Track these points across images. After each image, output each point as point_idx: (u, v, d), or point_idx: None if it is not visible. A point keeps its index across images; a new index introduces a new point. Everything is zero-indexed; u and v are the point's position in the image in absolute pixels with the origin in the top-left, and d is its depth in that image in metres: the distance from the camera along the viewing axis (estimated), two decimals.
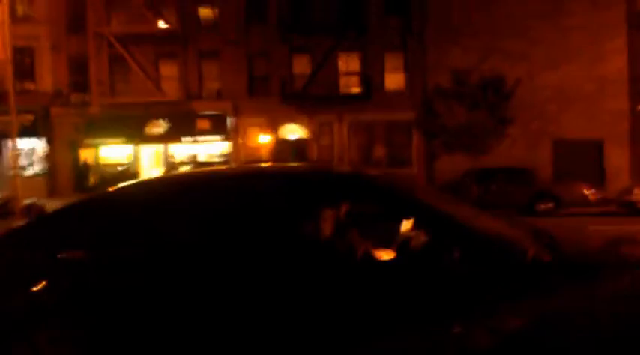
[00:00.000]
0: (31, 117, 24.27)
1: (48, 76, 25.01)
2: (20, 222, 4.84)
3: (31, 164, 25.12)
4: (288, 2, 23.59)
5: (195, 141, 23.99)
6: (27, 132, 24.14)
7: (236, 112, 24.11)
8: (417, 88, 22.69)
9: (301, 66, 24.00)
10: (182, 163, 24.10)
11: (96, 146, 24.49)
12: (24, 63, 24.97)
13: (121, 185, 3.04)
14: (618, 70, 21.59)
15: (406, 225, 2.86)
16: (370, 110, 22.86)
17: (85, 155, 24.75)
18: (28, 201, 16.72)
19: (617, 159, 21.65)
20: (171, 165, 24.01)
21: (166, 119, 23.87)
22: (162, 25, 24.27)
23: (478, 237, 2.56)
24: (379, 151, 23.74)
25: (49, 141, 24.83)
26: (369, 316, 2.35)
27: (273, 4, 23.89)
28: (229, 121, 24.11)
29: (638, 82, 21.43)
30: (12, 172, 16.62)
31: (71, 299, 2.45)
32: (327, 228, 2.80)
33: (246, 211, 2.64)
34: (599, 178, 20.90)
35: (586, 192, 16.10)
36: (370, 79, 23.37)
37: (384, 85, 23.47)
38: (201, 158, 24.34)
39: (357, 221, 2.88)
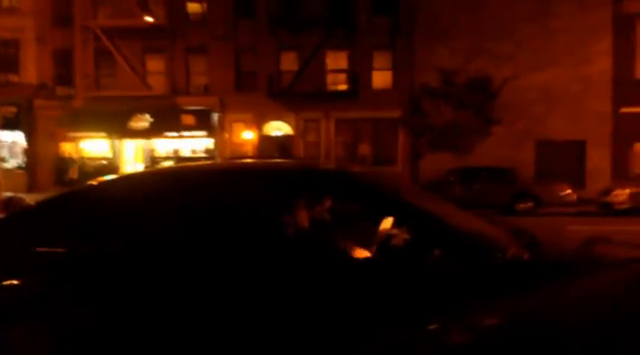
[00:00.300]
0: (13, 109, 23.96)
1: (32, 68, 24.68)
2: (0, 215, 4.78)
3: (11, 157, 24.78)
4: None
5: (179, 137, 23.85)
6: (9, 124, 23.81)
7: (222, 108, 24.01)
8: (403, 87, 22.78)
9: (289, 62, 23.96)
10: (165, 158, 23.93)
11: (78, 139, 24.23)
12: (8, 54, 24.62)
13: (102, 178, 3.01)
14: (603, 72, 21.86)
15: (388, 223, 2.88)
16: (357, 108, 22.90)
17: (67, 148, 24.48)
18: (7, 195, 16.49)
19: (598, 160, 21.95)
20: (153, 160, 23.84)
21: (151, 114, 23.69)
22: (149, 19, 24.06)
23: (459, 236, 2.59)
24: (365, 149, 23.81)
25: (31, 134, 24.52)
26: (348, 314, 2.36)
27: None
28: (215, 117, 23.99)
29: (622, 84, 21.72)
30: None
31: (49, 295, 2.43)
32: (309, 225, 2.80)
33: (228, 207, 2.64)
34: (580, 178, 21.19)
35: (566, 192, 16.34)
36: (357, 76, 23.41)
37: (371, 83, 23.53)
38: (186, 153, 24.20)
39: (340, 218, 2.89)
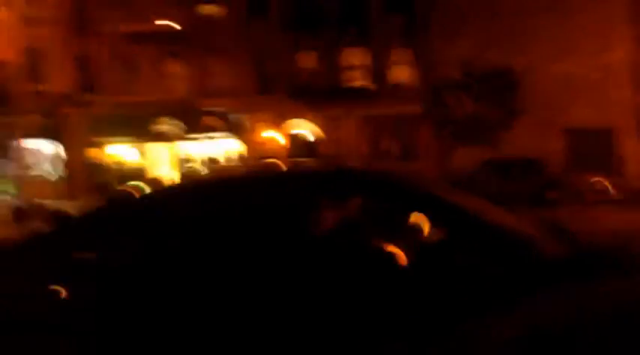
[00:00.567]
0: (41, 117, 24.46)
1: (57, 77, 25.15)
2: (37, 226, 4.91)
3: (42, 165, 25.33)
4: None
5: (202, 139, 24.10)
6: (38, 133, 24.33)
7: (243, 109, 24.17)
8: (423, 81, 22.61)
9: (307, 61, 23.98)
10: (191, 161, 24.21)
11: (105, 145, 24.65)
12: (34, 64, 25.12)
13: (133, 184, 3.06)
14: (623, 59, 21.40)
15: (420, 221, 2.87)
16: (378, 104, 22.80)
17: (95, 154, 24.92)
18: (44, 203, 16.87)
19: (629, 147, 21.47)
20: (185, 167, 24.01)
21: (174, 117, 23.97)
22: (167, 23, 24.33)
23: (495, 233, 2.56)
24: (388, 145, 23.71)
25: (61, 142, 25.00)
26: (383, 314, 2.36)
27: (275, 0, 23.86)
28: (236, 118, 24.17)
29: None
30: (25, 173, 16.76)
31: (84, 302, 2.48)
32: (343, 227, 2.81)
33: (271, 215, 2.67)
34: (611, 167, 20.75)
35: (598, 182, 16.04)
36: (377, 72, 23.32)
37: (391, 78, 23.41)
38: (213, 155, 24.42)
39: (371, 218, 2.89)
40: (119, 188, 17.07)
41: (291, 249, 2.57)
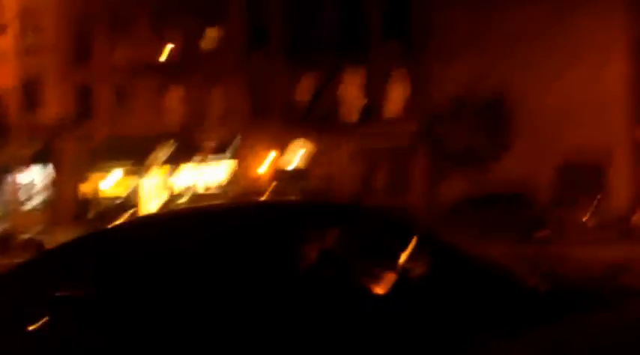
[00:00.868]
0: (37, 147, 24.41)
1: (54, 106, 25.25)
2: (20, 258, 4.85)
3: (34, 195, 25.16)
4: (290, 24, 23.96)
5: (197, 167, 24.13)
6: (32, 162, 24.24)
7: (239, 136, 24.30)
8: (419, 108, 22.82)
9: (303, 90, 24.29)
10: (183, 192, 24.16)
11: (98, 176, 24.58)
12: (31, 93, 25.21)
13: (120, 221, 3.06)
14: (620, 87, 21.61)
15: (405, 256, 2.87)
16: (371, 135, 22.98)
17: (86, 187, 24.83)
18: (26, 236, 16.72)
19: (619, 178, 21.52)
20: (169, 198, 24.05)
21: (170, 146, 24.04)
22: (166, 53, 24.65)
23: (477, 268, 2.57)
24: (379, 178, 23.81)
25: (54, 172, 24.90)
26: (368, 349, 2.34)
27: (275, 30, 24.29)
28: (232, 146, 24.29)
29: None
30: (13, 205, 16.70)
31: (70, 338, 2.44)
32: (325, 263, 2.80)
33: (245, 248, 2.66)
34: (601, 199, 20.68)
35: (585, 217, 16.11)
36: (373, 99, 23.61)
37: (387, 105, 23.68)
38: (204, 184, 24.40)
39: (357, 254, 2.89)
40: (107, 222, 16.97)
41: (265, 281, 2.55)
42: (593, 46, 21.61)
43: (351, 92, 24.00)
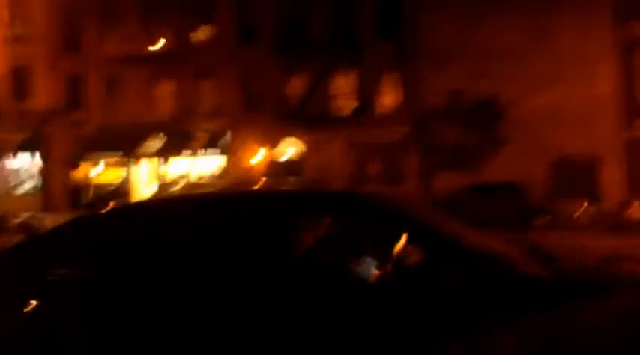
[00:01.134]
0: (28, 135, 24.28)
1: (44, 95, 25.05)
2: (14, 240, 4.82)
3: (25, 181, 25.05)
4: (282, 22, 23.82)
5: (188, 159, 24.01)
6: (24, 149, 24.12)
7: (230, 130, 24.18)
8: (411, 108, 22.83)
9: (296, 85, 24.16)
10: (174, 182, 24.06)
11: (91, 164, 24.46)
12: (21, 81, 25.03)
13: (113, 206, 3.04)
14: (609, 90, 21.85)
15: (400, 243, 2.85)
16: (365, 129, 22.94)
17: (80, 173, 24.71)
18: (20, 219, 16.65)
19: (611, 176, 21.75)
20: (163, 185, 23.97)
21: (161, 137, 23.91)
22: (158, 44, 24.43)
23: (474, 254, 2.55)
24: (374, 169, 23.80)
25: (44, 159, 24.79)
26: (362, 337, 2.33)
27: (267, 23, 24.12)
28: (223, 139, 24.16)
29: (631, 102, 21.70)
30: (4, 190, 16.62)
31: (61, 319, 2.43)
32: (321, 249, 2.78)
33: (239, 235, 2.64)
34: (594, 195, 20.96)
35: (580, 208, 16.22)
36: (364, 98, 23.54)
37: (379, 104, 23.63)
38: (196, 176, 24.30)
39: (351, 240, 2.87)
40: (101, 207, 16.88)
41: (260, 268, 2.53)
42: (582, 50, 21.74)
43: (343, 89, 23.90)
